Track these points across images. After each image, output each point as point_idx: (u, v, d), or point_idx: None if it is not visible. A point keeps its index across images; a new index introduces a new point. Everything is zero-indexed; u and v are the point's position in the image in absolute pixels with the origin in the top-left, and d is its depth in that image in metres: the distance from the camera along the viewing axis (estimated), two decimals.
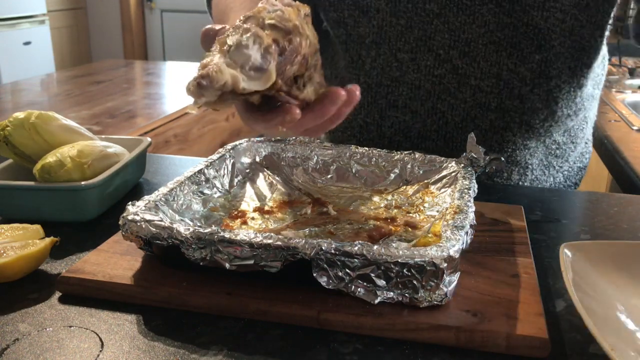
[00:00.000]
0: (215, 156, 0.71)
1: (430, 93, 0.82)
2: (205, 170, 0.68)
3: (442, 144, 0.84)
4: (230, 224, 0.64)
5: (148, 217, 0.53)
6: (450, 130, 0.83)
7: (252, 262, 0.49)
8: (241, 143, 0.76)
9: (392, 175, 0.73)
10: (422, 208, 0.67)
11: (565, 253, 0.52)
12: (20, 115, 0.71)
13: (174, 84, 2.75)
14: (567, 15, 0.77)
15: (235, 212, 0.66)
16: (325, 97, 0.50)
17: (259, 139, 0.79)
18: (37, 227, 0.59)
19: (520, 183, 0.87)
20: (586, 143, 0.96)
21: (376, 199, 0.71)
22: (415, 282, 0.47)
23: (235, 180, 0.72)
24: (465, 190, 0.61)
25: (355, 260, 0.47)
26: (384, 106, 0.85)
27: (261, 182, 0.74)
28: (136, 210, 0.54)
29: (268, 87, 0.47)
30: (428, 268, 0.46)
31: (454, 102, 0.82)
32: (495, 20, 0.77)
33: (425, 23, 0.79)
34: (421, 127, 0.85)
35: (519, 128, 0.83)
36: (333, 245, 0.47)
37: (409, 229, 0.62)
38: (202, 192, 0.66)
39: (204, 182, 0.67)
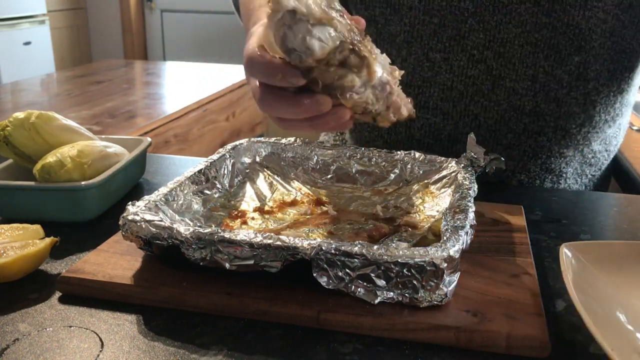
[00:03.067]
0: (215, 156, 0.71)
1: (462, 94, 0.80)
2: (205, 170, 0.68)
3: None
4: (230, 224, 0.64)
5: (148, 217, 0.53)
6: (483, 133, 0.81)
7: (252, 262, 0.49)
8: (241, 143, 0.76)
9: (392, 175, 0.73)
10: (422, 208, 0.67)
11: (565, 253, 0.52)
12: (20, 115, 0.71)
13: (174, 84, 2.75)
14: (609, 15, 0.75)
15: (235, 212, 0.66)
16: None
17: (259, 139, 0.79)
18: (37, 227, 0.59)
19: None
20: (616, 150, 0.93)
21: (376, 199, 0.71)
22: (415, 282, 0.47)
23: (235, 180, 0.72)
24: (465, 190, 0.61)
25: (355, 260, 0.47)
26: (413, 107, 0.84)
27: (261, 182, 0.74)
28: (136, 210, 0.54)
29: (331, 51, 0.48)
30: (428, 268, 0.46)
31: (487, 104, 0.79)
32: (533, 20, 0.75)
33: (459, 22, 0.77)
34: (452, 130, 0.82)
35: (554, 133, 0.81)
36: (333, 245, 0.47)
37: (409, 229, 0.62)
38: (202, 192, 0.66)
39: (204, 182, 0.67)
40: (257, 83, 0.53)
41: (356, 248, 0.47)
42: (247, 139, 0.78)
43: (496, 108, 0.80)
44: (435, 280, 0.47)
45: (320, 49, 0.47)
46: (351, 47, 0.49)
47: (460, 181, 0.64)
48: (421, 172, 0.72)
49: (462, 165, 0.69)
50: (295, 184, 0.74)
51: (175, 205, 0.61)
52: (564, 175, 0.85)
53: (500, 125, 0.81)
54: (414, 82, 0.82)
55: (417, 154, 0.73)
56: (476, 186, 0.63)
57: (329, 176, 0.75)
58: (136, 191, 0.79)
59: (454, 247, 0.48)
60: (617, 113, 0.85)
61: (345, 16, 0.50)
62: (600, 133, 0.85)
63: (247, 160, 0.76)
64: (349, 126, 0.54)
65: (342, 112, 0.52)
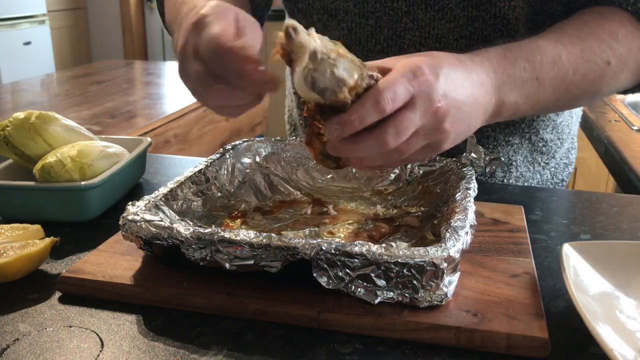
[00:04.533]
0: (215, 156, 0.71)
1: None
2: (205, 170, 0.68)
3: None
4: (230, 224, 0.64)
5: (148, 217, 0.53)
6: None
7: (252, 262, 0.49)
8: (241, 143, 0.76)
9: (392, 175, 0.73)
10: (422, 208, 0.67)
11: (565, 253, 0.52)
12: (20, 115, 0.71)
13: (174, 84, 2.74)
14: (526, 3, 0.77)
15: (235, 212, 0.66)
16: None
17: (259, 139, 0.79)
18: (37, 227, 0.59)
19: (505, 180, 0.87)
20: (572, 139, 0.95)
21: (376, 199, 0.71)
22: (415, 282, 0.47)
23: (235, 180, 0.72)
24: (465, 190, 0.61)
25: (355, 260, 0.47)
26: None
27: (261, 182, 0.74)
28: (136, 210, 0.54)
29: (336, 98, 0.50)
30: (428, 268, 0.46)
31: None
32: (464, 14, 0.77)
33: (394, 22, 0.79)
34: None
35: (498, 123, 0.82)
36: (333, 245, 0.47)
37: (409, 228, 0.62)
38: (202, 192, 0.66)
39: (204, 182, 0.67)
40: None
41: (356, 248, 0.47)
42: (247, 139, 0.78)
43: None
44: (435, 280, 0.47)
45: (350, 77, 0.49)
46: (369, 73, 0.51)
47: (460, 181, 0.64)
48: (421, 172, 0.72)
49: (462, 165, 0.69)
50: (295, 184, 0.74)
51: (175, 205, 0.61)
52: (514, 163, 0.87)
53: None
54: None
55: None
56: (476, 186, 0.63)
57: (329, 176, 0.75)
58: (136, 191, 0.79)
59: (454, 247, 0.48)
60: None
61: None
62: (548, 121, 0.86)
63: (247, 160, 0.76)
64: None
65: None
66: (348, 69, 0.49)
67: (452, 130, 0.54)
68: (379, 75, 0.52)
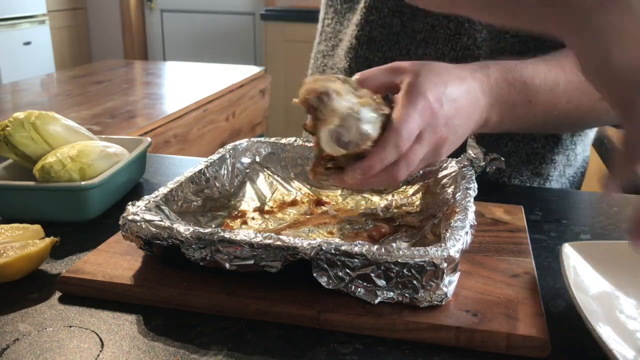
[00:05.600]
0: (215, 156, 0.71)
1: None
2: (205, 170, 0.68)
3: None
4: (230, 224, 0.64)
5: (148, 217, 0.53)
6: (487, 141, 0.83)
7: (252, 262, 0.49)
8: (241, 143, 0.76)
9: None
10: (422, 208, 0.67)
11: (565, 253, 0.52)
12: (20, 115, 0.71)
13: (174, 84, 2.75)
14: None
15: (235, 212, 0.66)
16: None
17: (259, 139, 0.79)
18: (37, 227, 0.59)
19: None
20: (588, 147, 0.96)
21: (376, 199, 0.71)
22: (415, 282, 0.47)
23: (235, 180, 0.72)
24: (465, 190, 0.61)
25: (355, 260, 0.47)
26: None
27: (261, 182, 0.74)
28: (136, 210, 0.54)
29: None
30: (428, 268, 0.46)
31: None
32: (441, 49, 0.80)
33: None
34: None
35: (547, 139, 0.83)
36: (333, 245, 0.48)
37: (409, 229, 0.62)
38: (202, 192, 0.66)
39: (204, 182, 0.67)
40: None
41: (356, 248, 0.47)
42: (247, 139, 0.78)
43: None
44: (435, 280, 0.47)
45: (374, 131, 0.52)
46: (386, 113, 0.54)
47: (460, 181, 0.64)
48: (421, 172, 0.72)
49: (462, 165, 0.69)
50: (295, 184, 0.74)
51: (175, 205, 0.61)
52: (550, 178, 0.88)
53: (504, 133, 0.82)
54: None
55: None
56: (476, 186, 0.63)
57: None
58: (136, 191, 0.79)
59: (454, 247, 0.48)
60: None
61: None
62: (584, 136, 0.88)
63: (247, 160, 0.76)
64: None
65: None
66: (370, 120, 0.52)
67: (446, 153, 0.60)
68: (385, 108, 0.54)
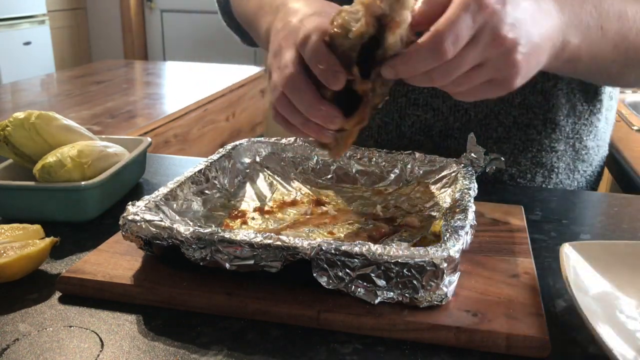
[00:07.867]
0: (215, 156, 0.71)
1: None
2: (205, 170, 0.68)
3: (464, 142, 0.83)
4: (230, 224, 0.64)
5: (148, 217, 0.53)
6: (473, 127, 0.82)
7: (252, 262, 0.49)
8: (241, 143, 0.76)
9: (392, 175, 0.73)
10: (422, 208, 0.67)
11: (565, 253, 0.52)
12: (20, 115, 0.71)
13: (174, 84, 2.75)
14: None
15: (235, 212, 0.66)
16: None
17: (259, 139, 0.79)
18: (37, 227, 0.59)
19: (544, 186, 0.86)
20: (606, 147, 0.94)
21: (376, 199, 0.71)
22: (415, 282, 0.47)
23: (235, 180, 0.72)
24: (465, 190, 0.61)
25: (355, 260, 0.47)
26: (403, 105, 0.84)
27: (261, 182, 0.74)
28: (136, 210, 0.54)
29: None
30: (428, 268, 0.46)
31: None
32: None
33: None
34: (443, 125, 0.83)
35: (543, 126, 0.82)
36: (333, 245, 0.47)
37: (409, 229, 0.62)
38: (202, 192, 0.66)
39: (204, 182, 0.67)
40: (287, 72, 0.51)
41: (356, 248, 0.47)
42: (247, 139, 0.78)
43: (485, 102, 0.81)
44: (435, 280, 0.47)
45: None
46: None
47: (460, 181, 0.64)
48: (421, 172, 0.72)
49: (462, 165, 0.69)
50: (295, 184, 0.75)
51: (175, 205, 0.61)
52: (556, 170, 0.86)
53: (490, 119, 0.82)
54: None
55: (417, 154, 0.73)
56: (476, 186, 0.63)
57: (329, 176, 0.75)
58: (136, 191, 0.79)
59: (454, 247, 0.48)
60: (600, 99, 0.85)
61: None
62: (590, 127, 0.86)
63: (247, 160, 0.76)
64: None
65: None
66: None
67: (523, 62, 0.48)
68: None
